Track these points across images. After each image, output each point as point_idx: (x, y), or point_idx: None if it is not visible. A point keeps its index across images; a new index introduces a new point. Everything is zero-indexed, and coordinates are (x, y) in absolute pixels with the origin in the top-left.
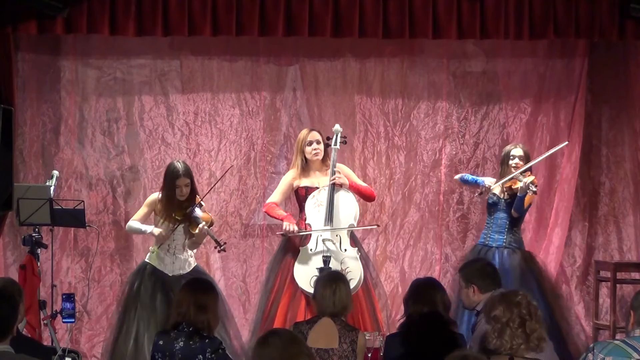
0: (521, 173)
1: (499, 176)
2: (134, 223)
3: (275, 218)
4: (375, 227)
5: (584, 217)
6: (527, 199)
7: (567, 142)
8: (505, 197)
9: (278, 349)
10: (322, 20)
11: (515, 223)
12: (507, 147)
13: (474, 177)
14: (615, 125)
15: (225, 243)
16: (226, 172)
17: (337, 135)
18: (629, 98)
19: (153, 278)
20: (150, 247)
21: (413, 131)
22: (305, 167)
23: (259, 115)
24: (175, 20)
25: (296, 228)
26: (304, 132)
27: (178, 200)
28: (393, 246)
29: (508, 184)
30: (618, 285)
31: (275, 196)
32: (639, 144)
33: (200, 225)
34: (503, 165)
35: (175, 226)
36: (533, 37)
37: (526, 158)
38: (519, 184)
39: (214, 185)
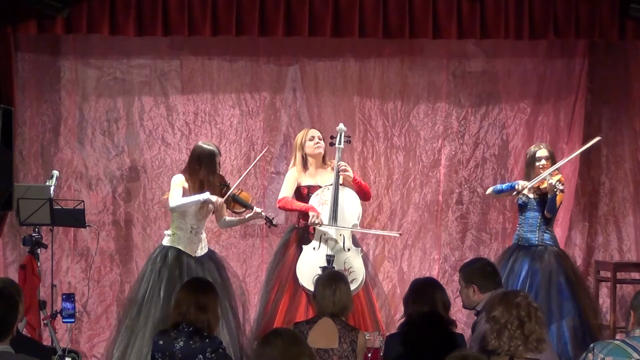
0: (549, 173)
1: (525, 179)
2: (182, 200)
3: (296, 210)
4: (398, 235)
5: (584, 217)
6: (557, 198)
7: (599, 137)
8: (534, 197)
9: (279, 348)
10: (322, 20)
11: (547, 221)
12: (532, 149)
13: (506, 184)
14: (615, 125)
15: (274, 217)
16: (261, 154)
17: (341, 135)
18: (629, 98)
19: (179, 264)
20: (167, 231)
21: (412, 131)
22: (306, 165)
23: (258, 116)
24: (175, 20)
25: (324, 219)
26: (303, 130)
27: (216, 178)
28: (391, 246)
29: (536, 184)
30: (618, 285)
31: (286, 192)
32: (639, 144)
33: (258, 210)
34: (530, 167)
35: (224, 200)
36: (533, 37)
37: (551, 157)
38: (546, 184)
39: (250, 167)
